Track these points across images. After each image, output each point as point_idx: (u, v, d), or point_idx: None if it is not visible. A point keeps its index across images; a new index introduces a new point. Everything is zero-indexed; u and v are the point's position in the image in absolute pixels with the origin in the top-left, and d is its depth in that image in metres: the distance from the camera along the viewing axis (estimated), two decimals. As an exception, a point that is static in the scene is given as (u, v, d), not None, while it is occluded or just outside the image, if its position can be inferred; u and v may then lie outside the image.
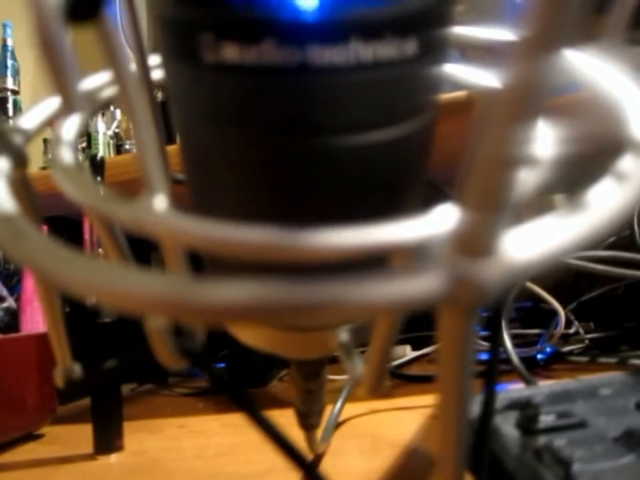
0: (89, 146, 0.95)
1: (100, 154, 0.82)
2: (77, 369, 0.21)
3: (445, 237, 0.10)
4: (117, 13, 0.13)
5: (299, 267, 0.10)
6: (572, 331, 0.68)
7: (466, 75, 0.20)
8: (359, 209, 0.14)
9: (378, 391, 0.17)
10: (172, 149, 0.18)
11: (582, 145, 0.14)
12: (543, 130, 0.14)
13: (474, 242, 0.09)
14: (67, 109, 0.10)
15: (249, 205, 0.14)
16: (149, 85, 0.17)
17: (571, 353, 0.64)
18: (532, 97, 0.08)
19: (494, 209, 0.09)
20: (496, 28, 0.20)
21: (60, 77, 0.09)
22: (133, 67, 0.16)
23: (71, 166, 0.14)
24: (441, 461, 0.11)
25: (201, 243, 0.10)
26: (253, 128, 0.13)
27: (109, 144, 0.98)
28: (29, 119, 0.17)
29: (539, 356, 0.63)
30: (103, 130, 0.97)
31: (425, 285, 0.09)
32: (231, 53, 0.12)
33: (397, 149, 0.14)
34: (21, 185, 0.16)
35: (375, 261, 0.10)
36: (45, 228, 0.65)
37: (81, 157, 0.91)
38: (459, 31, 0.20)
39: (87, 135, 0.96)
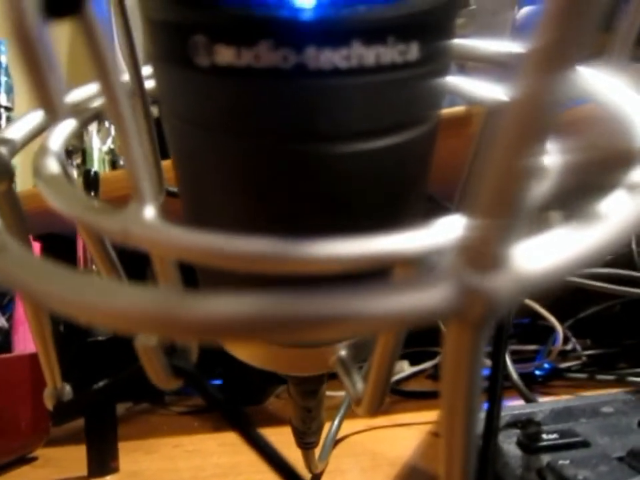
0: (84, 162, 0.94)
1: (94, 169, 0.81)
2: (68, 390, 0.20)
3: (451, 247, 0.09)
4: (109, 21, 0.12)
5: (295, 280, 0.09)
6: (569, 347, 0.67)
7: (468, 87, 0.19)
8: (357, 220, 0.13)
9: (377, 411, 0.17)
10: (166, 164, 0.17)
11: (590, 156, 0.13)
12: (551, 141, 0.13)
13: (483, 252, 0.08)
14: (48, 112, 0.09)
15: (243, 216, 0.13)
16: (143, 92, 0.16)
17: (569, 369, 0.63)
18: (543, 112, 0.08)
19: (504, 217, 0.08)
20: (496, 41, 0.20)
21: (40, 77, 0.09)
22: (122, 72, 0.15)
23: (56, 176, 0.13)
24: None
25: (193, 255, 0.10)
26: (246, 134, 0.12)
27: (104, 160, 0.97)
28: (16, 129, 0.16)
29: (537, 372, 0.63)
30: (98, 146, 0.96)
31: (432, 297, 0.08)
32: (225, 56, 0.11)
33: (397, 157, 0.13)
34: (6, 198, 0.15)
35: (375, 274, 0.10)
36: (39, 245, 0.64)
37: (75, 172, 0.90)
38: (460, 43, 0.19)
39: (81, 151, 0.96)
